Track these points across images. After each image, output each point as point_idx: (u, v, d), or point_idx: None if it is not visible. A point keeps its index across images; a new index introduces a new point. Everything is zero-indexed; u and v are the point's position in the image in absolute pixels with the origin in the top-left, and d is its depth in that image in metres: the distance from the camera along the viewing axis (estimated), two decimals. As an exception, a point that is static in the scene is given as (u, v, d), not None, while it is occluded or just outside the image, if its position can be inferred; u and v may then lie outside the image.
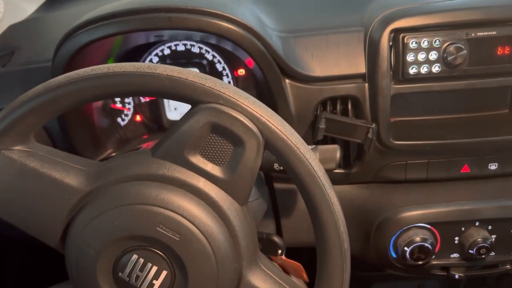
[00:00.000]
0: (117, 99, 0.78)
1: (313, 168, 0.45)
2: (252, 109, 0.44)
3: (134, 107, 0.79)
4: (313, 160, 0.45)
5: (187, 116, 0.45)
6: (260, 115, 0.44)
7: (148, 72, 0.44)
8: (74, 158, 0.49)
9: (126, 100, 0.79)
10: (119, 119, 0.79)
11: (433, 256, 0.70)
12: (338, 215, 0.46)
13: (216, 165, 0.46)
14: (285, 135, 0.45)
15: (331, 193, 0.46)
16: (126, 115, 0.79)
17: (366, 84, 0.65)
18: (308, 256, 0.73)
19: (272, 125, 0.44)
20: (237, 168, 0.45)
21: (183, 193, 0.45)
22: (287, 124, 0.46)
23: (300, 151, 0.45)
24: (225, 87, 0.44)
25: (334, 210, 0.46)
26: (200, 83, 0.44)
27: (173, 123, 0.65)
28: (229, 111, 0.44)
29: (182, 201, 0.45)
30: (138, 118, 0.79)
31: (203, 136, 0.45)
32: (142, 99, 0.79)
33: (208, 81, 0.44)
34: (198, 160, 0.46)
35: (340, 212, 0.47)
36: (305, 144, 0.46)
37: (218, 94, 0.44)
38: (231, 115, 0.44)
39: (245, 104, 0.44)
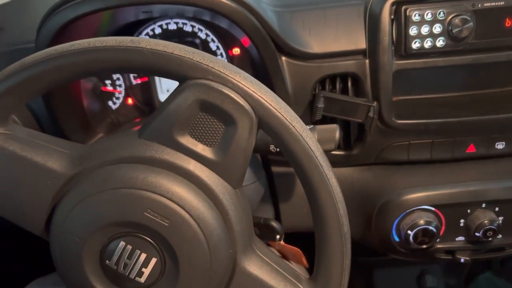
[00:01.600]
0: (108, 82, 0.75)
1: (310, 148, 0.42)
2: (244, 85, 0.41)
3: (126, 89, 0.76)
4: (310, 139, 0.43)
5: (174, 93, 0.42)
6: (253, 91, 0.41)
7: (131, 46, 0.41)
8: (57, 141, 0.46)
9: (117, 82, 0.76)
10: (110, 103, 0.76)
11: (438, 240, 0.68)
12: (337, 197, 0.44)
13: (207, 146, 0.43)
14: (279, 112, 0.42)
15: (329, 174, 0.43)
16: (118, 98, 0.76)
17: (367, 61, 0.63)
18: (308, 242, 0.70)
19: (265, 102, 0.41)
20: (229, 149, 0.43)
21: (172, 176, 0.43)
22: (282, 101, 0.43)
23: (296, 129, 0.42)
24: (214, 61, 0.41)
25: (333, 192, 0.44)
26: (187, 57, 0.41)
27: None
28: (219, 87, 0.41)
29: (171, 184, 0.42)
30: (129, 101, 0.77)
31: (192, 115, 0.42)
32: (134, 81, 0.76)
33: (196, 55, 0.41)
34: (187, 140, 0.43)
35: (339, 194, 0.44)
36: (302, 122, 0.43)
37: (207, 69, 0.41)
38: (221, 91, 0.41)
39: (236, 80, 0.41)
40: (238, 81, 0.41)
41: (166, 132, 0.43)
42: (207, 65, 0.41)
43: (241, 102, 0.41)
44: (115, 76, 0.75)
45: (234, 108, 0.41)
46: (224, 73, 0.41)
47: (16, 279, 0.80)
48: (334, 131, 0.55)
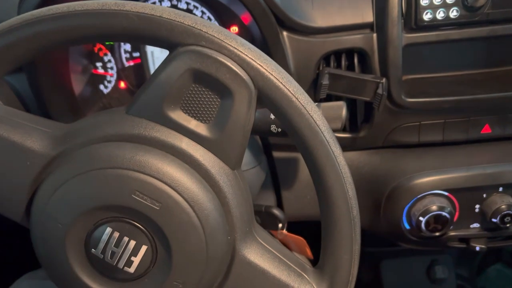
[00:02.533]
0: (99, 64, 0.71)
1: (315, 122, 0.38)
2: (241, 52, 0.37)
3: (118, 72, 0.72)
4: (315, 112, 0.39)
5: (164, 63, 0.38)
6: (251, 59, 0.37)
7: (115, 9, 0.37)
8: (38, 120, 0.42)
9: (109, 64, 0.71)
10: (101, 86, 0.72)
11: (451, 227, 0.64)
12: (346, 177, 0.40)
13: (201, 122, 0.39)
14: (281, 82, 0.37)
15: (336, 151, 0.39)
16: (109, 81, 0.72)
17: (374, 35, 0.59)
18: (312, 232, 0.66)
19: (265, 71, 0.37)
20: (226, 125, 0.38)
21: (162, 154, 0.39)
22: (283, 71, 0.38)
23: (299, 101, 0.38)
24: (208, 25, 0.37)
25: (340, 171, 0.39)
26: (178, 21, 0.36)
27: None
28: (213, 55, 0.37)
29: (162, 163, 0.38)
30: (122, 84, 0.73)
31: (184, 87, 0.38)
32: (126, 63, 0.72)
33: (187, 19, 0.37)
34: (179, 116, 0.39)
35: (347, 174, 0.40)
36: (306, 94, 0.39)
37: (199, 34, 0.37)
38: (215, 59, 0.37)
39: (232, 46, 0.37)
40: (235, 47, 0.37)
41: (156, 107, 0.39)
42: (200, 30, 0.37)
43: (238, 71, 0.37)
44: (106, 58, 0.71)
45: (230, 78, 0.37)
46: (218, 39, 0.37)
47: (7, 273, 0.77)
48: (341, 108, 0.51)
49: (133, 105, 0.40)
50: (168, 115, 0.39)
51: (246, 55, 0.37)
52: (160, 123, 0.39)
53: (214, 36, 0.37)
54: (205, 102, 0.39)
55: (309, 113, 0.38)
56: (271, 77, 0.37)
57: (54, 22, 0.37)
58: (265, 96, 0.38)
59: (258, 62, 0.37)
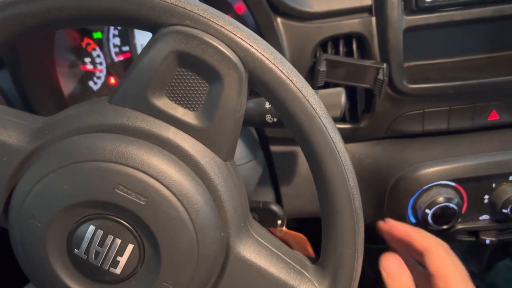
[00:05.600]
0: (87, 59, 0.69)
1: (312, 106, 0.35)
2: (229, 31, 0.34)
3: (107, 67, 0.69)
4: (312, 96, 0.36)
5: (147, 47, 0.35)
6: (240, 38, 0.34)
7: None
8: (14, 112, 0.40)
9: (97, 60, 0.69)
10: (90, 83, 0.70)
11: (459, 219, 0.61)
12: (346, 165, 0.37)
13: (189, 109, 0.36)
14: (274, 64, 0.35)
15: (336, 138, 0.36)
16: (99, 77, 0.70)
17: (373, 18, 0.56)
18: (312, 230, 0.63)
19: (256, 52, 0.34)
20: (215, 112, 0.36)
21: (147, 145, 0.36)
22: (276, 51, 0.36)
23: (294, 84, 0.35)
24: (193, 3, 0.34)
25: (340, 159, 0.36)
26: None
27: None
28: (199, 35, 0.34)
29: (147, 155, 0.35)
30: (112, 80, 0.70)
31: (168, 71, 0.35)
32: (115, 58, 0.69)
33: None
34: (165, 104, 0.36)
35: (348, 162, 0.37)
36: (301, 76, 0.36)
37: (184, 12, 0.34)
38: (202, 39, 0.34)
39: (219, 25, 0.34)
40: (222, 26, 0.34)
41: (139, 95, 0.36)
42: (184, 8, 0.34)
43: (226, 52, 0.34)
44: (94, 53, 0.69)
45: (218, 60, 0.34)
46: (204, 17, 0.34)
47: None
48: (339, 94, 0.48)
49: (115, 94, 0.37)
50: (153, 103, 0.36)
51: (234, 34, 0.34)
52: (144, 112, 0.36)
53: (199, 14, 0.34)
54: (192, 88, 0.36)
55: (305, 97, 0.35)
56: (263, 57, 0.34)
57: (29, 4, 0.35)
58: (257, 79, 0.35)
59: (248, 41, 0.34)
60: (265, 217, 0.59)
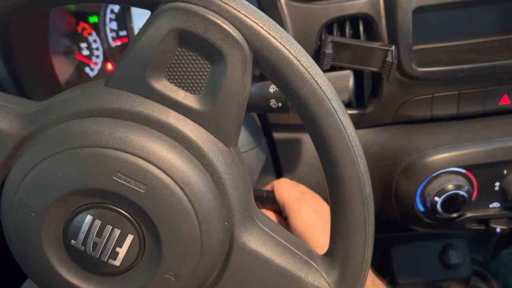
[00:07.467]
0: (83, 45, 0.66)
1: (321, 88, 0.33)
2: (233, 8, 0.32)
3: (104, 53, 0.67)
4: (321, 76, 0.34)
5: (145, 25, 0.33)
6: (245, 15, 0.32)
7: None
8: (6, 97, 0.38)
9: (94, 45, 0.67)
10: (87, 69, 0.68)
11: (469, 207, 0.59)
12: (356, 150, 0.35)
13: (190, 92, 0.34)
14: (280, 42, 0.32)
15: (346, 122, 0.34)
16: (95, 63, 0.67)
17: None
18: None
19: (262, 30, 0.32)
20: (218, 95, 0.34)
21: (147, 130, 0.34)
22: (282, 29, 0.33)
23: (302, 64, 0.33)
24: None
25: (350, 143, 0.35)
26: None
27: None
28: (201, 12, 0.32)
29: (146, 140, 0.33)
30: (109, 66, 0.68)
31: (168, 51, 0.33)
32: (112, 43, 0.67)
33: None
34: (165, 86, 0.34)
35: (358, 147, 0.35)
36: (309, 56, 0.34)
37: None
38: (203, 17, 0.32)
39: (222, 1, 0.32)
40: (225, 3, 0.32)
41: (138, 77, 0.34)
42: None
43: (230, 30, 0.32)
44: (91, 38, 0.66)
45: (221, 38, 0.32)
46: None
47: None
48: (347, 77, 0.46)
49: (113, 76, 0.35)
50: (152, 86, 0.34)
51: (238, 11, 0.32)
52: (143, 95, 0.34)
53: None
54: (193, 69, 0.34)
55: (314, 78, 0.33)
56: (269, 36, 0.32)
57: None
58: (262, 59, 0.33)
59: (253, 19, 0.32)
60: (268, 206, 0.57)
